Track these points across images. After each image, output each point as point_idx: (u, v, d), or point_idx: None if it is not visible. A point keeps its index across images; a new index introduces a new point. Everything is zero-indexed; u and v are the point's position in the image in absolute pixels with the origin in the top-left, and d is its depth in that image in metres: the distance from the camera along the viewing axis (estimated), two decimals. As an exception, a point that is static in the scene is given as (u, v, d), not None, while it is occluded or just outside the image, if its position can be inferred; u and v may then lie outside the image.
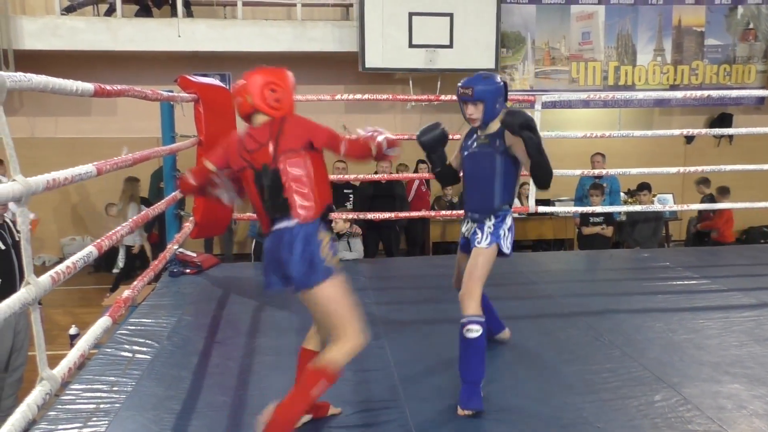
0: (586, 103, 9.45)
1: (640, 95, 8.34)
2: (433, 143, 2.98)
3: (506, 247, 2.86)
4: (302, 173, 2.30)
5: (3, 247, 3.97)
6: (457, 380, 2.76)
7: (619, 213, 7.25)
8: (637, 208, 6.50)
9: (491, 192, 2.85)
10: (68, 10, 8.60)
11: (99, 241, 2.55)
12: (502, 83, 2.88)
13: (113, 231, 2.72)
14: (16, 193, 1.74)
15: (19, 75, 1.79)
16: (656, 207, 6.88)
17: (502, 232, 2.84)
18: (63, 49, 8.33)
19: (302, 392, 2.25)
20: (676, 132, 6.38)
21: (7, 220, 4.18)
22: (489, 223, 2.85)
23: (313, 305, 2.34)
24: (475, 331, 2.64)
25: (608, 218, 6.84)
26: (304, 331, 3.56)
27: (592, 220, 6.86)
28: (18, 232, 4.23)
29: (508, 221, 2.88)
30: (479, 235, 2.85)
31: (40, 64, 7.53)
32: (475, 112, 2.84)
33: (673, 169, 5.89)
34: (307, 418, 2.48)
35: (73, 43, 8.33)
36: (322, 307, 2.30)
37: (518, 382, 2.90)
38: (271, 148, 2.30)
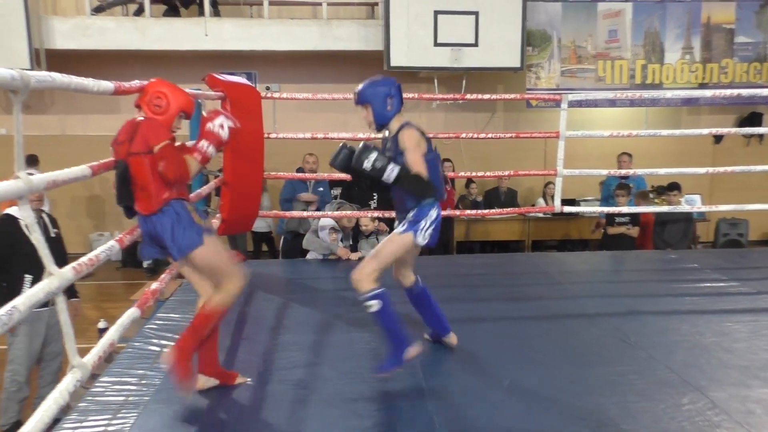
0: (612, 102, 9.35)
1: (668, 94, 8.21)
2: (345, 165, 2.94)
3: (423, 238, 2.84)
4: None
5: None
6: (483, 379, 2.76)
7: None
8: (665, 208, 6.42)
9: (401, 195, 2.87)
10: (98, 10, 8.75)
11: (120, 236, 2.59)
12: (388, 85, 2.89)
13: (134, 226, 2.76)
14: (20, 191, 1.77)
15: (43, 74, 1.84)
16: (684, 207, 6.78)
17: (422, 223, 2.84)
18: (93, 48, 8.48)
19: (195, 331, 2.58)
20: (705, 131, 6.29)
21: (44, 216, 4.27)
22: (410, 215, 2.86)
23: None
24: (374, 306, 2.75)
25: (634, 219, 6.77)
26: (329, 327, 3.59)
27: (617, 220, 6.80)
28: (55, 229, 4.34)
29: (432, 213, 2.86)
30: (399, 224, 2.90)
31: (71, 64, 7.68)
32: (367, 115, 2.92)
33: (702, 170, 5.81)
34: (212, 383, 2.76)
35: (102, 42, 8.47)
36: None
37: (543, 382, 2.88)
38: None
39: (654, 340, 3.39)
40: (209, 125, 2.61)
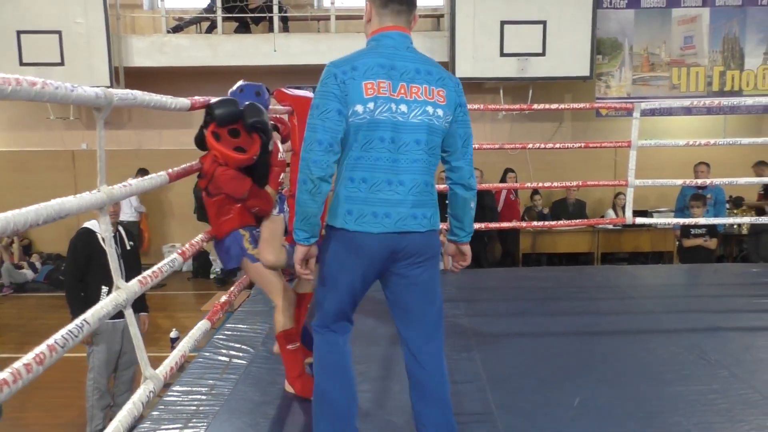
0: (687, 110, 9.02)
1: (749, 101, 7.84)
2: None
3: None
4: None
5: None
6: (552, 396, 2.67)
7: (724, 225, 6.86)
8: (746, 220, 6.13)
9: None
10: (175, 30, 9.10)
11: (183, 248, 2.64)
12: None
13: (196, 240, 2.81)
14: (101, 201, 1.83)
15: (126, 92, 1.91)
16: (765, 219, 6.44)
17: None
18: (169, 65, 8.81)
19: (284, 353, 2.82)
20: (790, 139, 5.98)
21: (120, 230, 4.44)
22: None
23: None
24: None
25: (712, 230, 6.48)
26: (395, 339, 3.56)
27: (693, 231, 6.52)
28: (131, 242, 4.50)
29: None
30: None
31: (147, 80, 8.01)
32: None
33: (786, 179, 5.51)
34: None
35: (178, 59, 8.80)
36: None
37: (615, 401, 2.78)
38: None
39: (736, 358, 3.21)
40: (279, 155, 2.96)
